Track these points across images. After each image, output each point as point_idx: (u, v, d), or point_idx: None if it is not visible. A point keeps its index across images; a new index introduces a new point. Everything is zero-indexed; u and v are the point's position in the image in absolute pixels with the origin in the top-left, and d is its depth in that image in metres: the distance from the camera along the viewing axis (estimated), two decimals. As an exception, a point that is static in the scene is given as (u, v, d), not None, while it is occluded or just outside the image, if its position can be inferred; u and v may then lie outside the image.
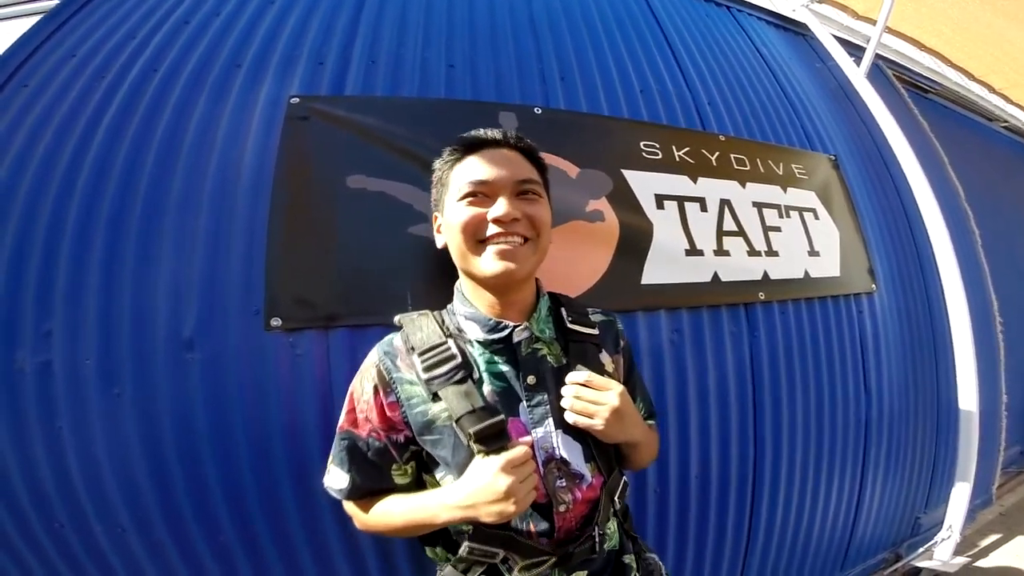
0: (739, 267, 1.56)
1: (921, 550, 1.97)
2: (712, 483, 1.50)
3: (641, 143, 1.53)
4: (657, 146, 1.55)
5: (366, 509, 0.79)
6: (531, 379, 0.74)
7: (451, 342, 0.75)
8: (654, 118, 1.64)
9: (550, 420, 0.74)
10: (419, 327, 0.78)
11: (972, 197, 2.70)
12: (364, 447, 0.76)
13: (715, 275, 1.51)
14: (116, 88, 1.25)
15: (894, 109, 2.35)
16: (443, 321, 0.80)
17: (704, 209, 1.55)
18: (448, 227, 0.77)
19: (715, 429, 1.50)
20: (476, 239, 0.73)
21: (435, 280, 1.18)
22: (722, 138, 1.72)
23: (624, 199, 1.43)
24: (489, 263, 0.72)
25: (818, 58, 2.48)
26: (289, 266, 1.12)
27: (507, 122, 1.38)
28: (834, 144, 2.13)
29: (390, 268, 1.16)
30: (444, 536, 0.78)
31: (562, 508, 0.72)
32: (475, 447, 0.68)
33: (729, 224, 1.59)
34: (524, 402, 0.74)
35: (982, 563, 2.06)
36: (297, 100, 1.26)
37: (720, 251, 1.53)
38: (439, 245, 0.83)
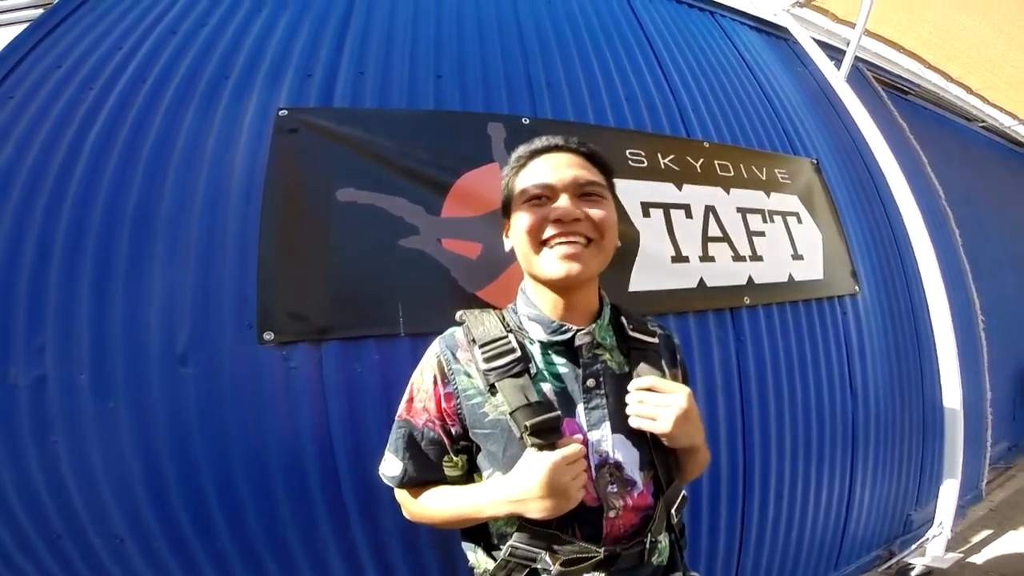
0: (724, 272, 1.59)
1: (914, 547, 2.01)
2: (703, 486, 1.52)
3: (627, 151, 1.56)
4: (643, 154, 1.58)
5: (416, 498, 0.81)
6: (591, 382, 0.75)
7: (511, 337, 0.76)
8: (639, 126, 1.67)
9: (607, 424, 0.75)
10: (481, 321, 0.80)
11: (952, 197, 2.76)
12: (419, 436, 0.78)
13: (701, 281, 1.53)
14: (103, 99, 1.24)
15: (874, 111, 2.40)
16: (504, 318, 0.81)
17: (689, 216, 1.58)
18: (513, 231, 0.80)
19: (705, 433, 1.51)
20: (539, 240, 0.74)
21: (427, 293, 1.20)
22: (706, 145, 1.75)
23: (611, 207, 1.45)
24: (551, 264, 0.73)
25: (799, 62, 2.52)
26: (281, 280, 1.13)
27: (496, 132, 1.40)
28: (815, 148, 2.17)
29: (382, 281, 1.17)
30: (486, 539, 0.79)
31: (612, 514, 0.72)
32: (529, 440, 0.69)
33: (714, 230, 1.62)
34: (582, 404, 0.75)
35: (974, 559, 2.10)
36: (285, 112, 1.27)
37: (705, 257, 1.56)
38: (507, 249, 0.86)
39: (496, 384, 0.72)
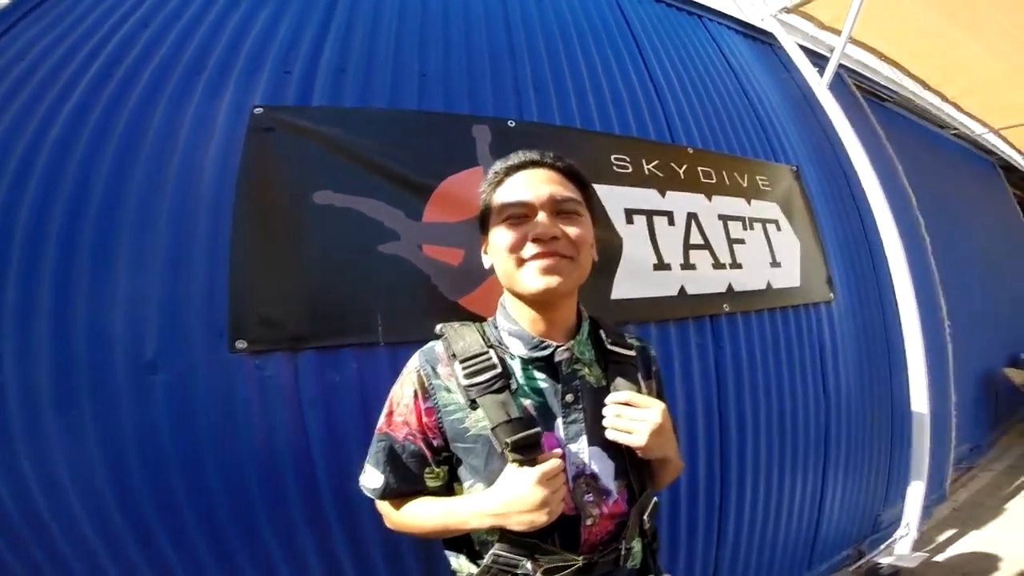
0: (705, 280, 1.60)
1: (883, 547, 2.08)
2: (682, 490, 1.55)
3: (612, 156, 1.55)
4: (627, 159, 1.57)
5: (397, 508, 0.83)
6: (569, 397, 0.77)
7: (492, 352, 0.77)
8: (625, 130, 1.66)
9: (584, 437, 0.77)
10: (461, 336, 0.81)
11: (922, 203, 2.83)
12: (400, 450, 0.79)
13: (682, 289, 1.55)
14: (68, 93, 1.17)
15: (853, 118, 2.44)
16: (484, 332, 0.82)
17: (672, 223, 1.59)
18: (493, 248, 0.81)
19: (683, 438, 1.54)
20: (519, 258, 0.75)
21: (407, 301, 1.18)
22: (690, 151, 1.76)
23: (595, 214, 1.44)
24: (531, 279, 0.74)
25: (783, 67, 2.54)
26: (253, 286, 1.09)
27: (480, 135, 1.37)
28: (796, 154, 2.20)
29: (360, 288, 1.15)
30: (468, 546, 0.81)
31: (589, 522, 0.75)
32: (510, 456, 0.71)
33: (696, 238, 1.63)
34: (560, 418, 0.77)
35: (939, 558, 2.18)
36: (261, 110, 1.22)
37: (687, 265, 1.57)
38: (486, 266, 0.87)
39: (477, 400, 0.74)
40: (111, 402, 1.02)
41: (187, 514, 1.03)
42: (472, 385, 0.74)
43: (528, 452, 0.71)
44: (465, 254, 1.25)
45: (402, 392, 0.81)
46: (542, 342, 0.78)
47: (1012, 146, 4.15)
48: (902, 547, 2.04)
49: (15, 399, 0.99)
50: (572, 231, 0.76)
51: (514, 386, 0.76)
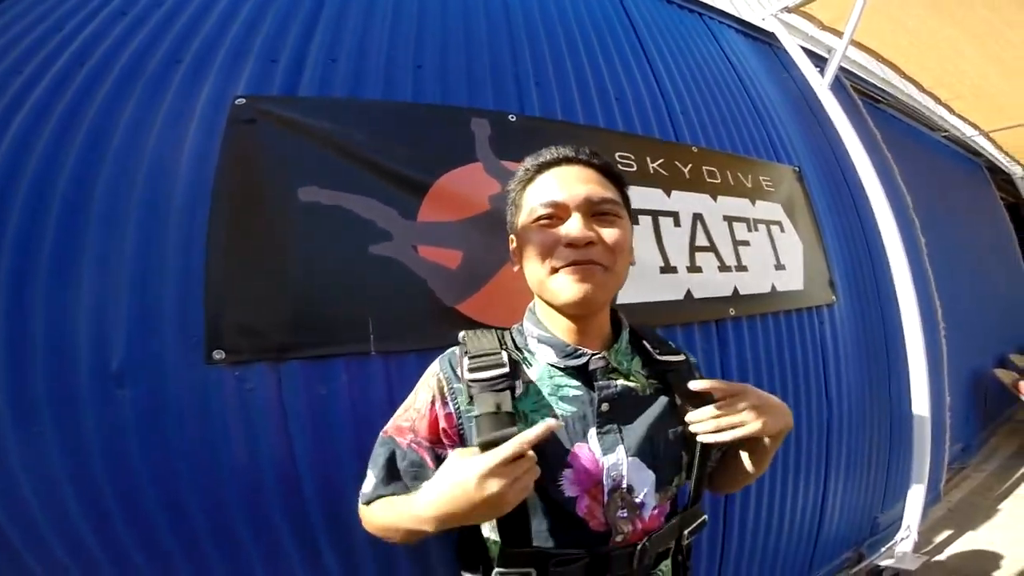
0: (711, 283, 1.55)
1: (883, 549, 2.06)
2: (687, 496, 1.49)
3: (616, 154, 1.49)
4: (632, 157, 1.51)
5: (372, 508, 0.77)
6: (604, 406, 0.71)
7: (504, 354, 0.73)
8: (629, 127, 1.60)
9: (621, 447, 0.71)
10: (479, 337, 0.77)
11: (915, 205, 2.83)
12: (401, 457, 0.75)
13: (688, 292, 1.49)
14: (33, 84, 1.08)
15: (852, 119, 2.41)
16: (503, 337, 0.78)
17: (677, 224, 1.53)
18: (523, 252, 0.76)
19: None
20: (550, 266, 0.70)
21: (401, 307, 1.09)
22: (695, 149, 1.70)
23: (599, 214, 1.37)
24: (564, 290, 0.69)
25: (783, 68, 2.51)
26: (232, 290, 1.00)
27: (480, 129, 1.30)
28: (797, 155, 2.16)
29: (349, 293, 1.06)
30: (484, 560, 0.74)
31: (619, 538, 0.70)
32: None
33: (701, 239, 1.57)
34: (594, 428, 0.71)
35: (938, 559, 2.17)
36: (243, 101, 1.13)
37: (693, 268, 1.52)
38: (515, 269, 0.81)
39: (475, 396, 0.68)
40: (76, 416, 0.93)
41: (166, 540, 0.95)
42: (474, 380, 0.69)
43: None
44: (464, 256, 1.17)
45: (416, 397, 0.77)
46: (576, 350, 0.73)
47: (1000, 148, 4.19)
48: (902, 549, 2.03)
49: None
50: (609, 235, 0.70)
51: (519, 390, 0.70)
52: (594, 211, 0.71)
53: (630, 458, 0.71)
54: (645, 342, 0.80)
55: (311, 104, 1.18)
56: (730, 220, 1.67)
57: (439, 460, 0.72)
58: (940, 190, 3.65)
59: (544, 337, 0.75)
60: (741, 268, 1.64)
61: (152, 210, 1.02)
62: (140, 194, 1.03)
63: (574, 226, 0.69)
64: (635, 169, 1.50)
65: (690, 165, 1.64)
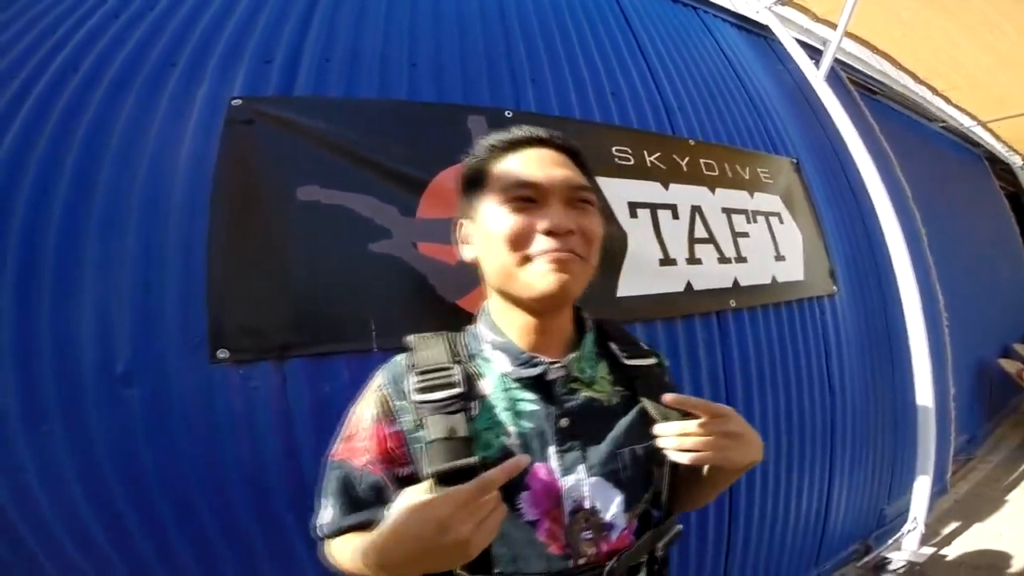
0: (711, 275, 1.55)
1: (890, 541, 2.06)
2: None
3: (613, 148, 1.49)
4: (629, 151, 1.51)
5: (335, 544, 0.66)
6: (564, 421, 0.64)
7: (458, 369, 0.64)
8: (625, 122, 1.61)
9: (582, 467, 0.64)
10: (427, 346, 0.68)
11: (914, 196, 2.83)
12: (357, 480, 0.65)
13: (688, 284, 1.49)
14: (27, 91, 1.08)
15: (848, 111, 2.42)
16: (455, 343, 0.69)
17: (676, 216, 1.53)
18: (485, 236, 0.64)
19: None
20: (522, 254, 0.61)
21: (402, 303, 1.10)
22: (691, 142, 1.70)
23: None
24: (540, 279, 0.60)
25: (778, 60, 2.51)
26: (234, 290, 1.01)
27: (477, 126, 1.30)
28: (795, 146, 2.16)
29: (350, 291, 1.06)
30: None
31: (582, 561, 0.63)
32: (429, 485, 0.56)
33: (700, 231, 1.57)
34: (554, 446, 0.64)
35: (945, 551, 2.15)
36: (239, 102, 1.14)
37: (692, 259, 1.52)
38: (466, 258, 0.70)
39: (425, 420, 0.61)
40: (84, 417, 0.94)
41: (174, 538, 0.96)
42: (423, 402, 0.61)
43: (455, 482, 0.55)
44: (463, 252, 1.18)
45: (361, 415, 0.67)
46: (532, 358, 0.65)
47: (999, 138, 4.18)
48: (910, 541, 2.02)
49: None
50: (587, 224, 0.64)
51: (474, 412, 0.63)
52: (572, 197, 0.64)
53: (593, 478, 0.64)
54: (612, 343, 0.73)
55: (307, 104, 1.19)
56: (729, 212, 1.67)
57: (397, 481, 0.64)
58: (939, 180, 3.64)
59: (499, 343, 0.67)
60: (741, 259, 1.64)
61: (152, 213, 1.03)
62: (140, 197, 1.04)
63: (555, 213, 0.61)
64: (632, 163, 1.50)
65: (687, 158, 1.64)
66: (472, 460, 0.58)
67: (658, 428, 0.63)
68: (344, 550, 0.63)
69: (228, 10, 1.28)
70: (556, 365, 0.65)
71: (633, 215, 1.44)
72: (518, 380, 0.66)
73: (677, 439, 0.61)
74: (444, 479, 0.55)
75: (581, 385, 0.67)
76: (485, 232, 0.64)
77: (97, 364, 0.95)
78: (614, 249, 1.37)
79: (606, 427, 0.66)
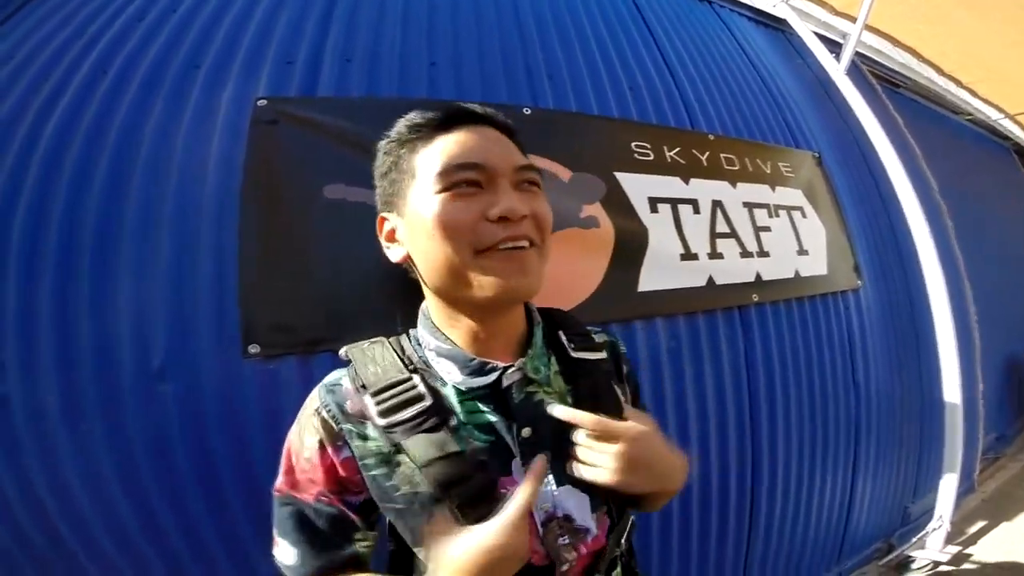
0: (733, 270, 1.53)
1: (914, 540, 2.01)
2: (713, 487, 1.48)
3: (633, 144, 1.48)
4: (648, 147, 1.50)
5: None
6: (526, 431, 0.58)
7: (417, 379, 0.58)
8: (643, 117, 1.60)
9: (550, 476, 0.59)
10: (371, 358, 0.60)
11: (941, 189, 2.77)
12: (313, 515, 0.58)
13: (710, 279, 1.47)
14: (60, 93, 1.12)
15: (871, 104, 2.37)
16: (403, 350, 0.62)
17: (697, 211, 1.52)
18: (420, 231, 0.55)
19: (714, 434, 1.48)
20: (473, 246, 0.53)
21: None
22: (711, 137, 1.69)
23: (618, 203, 1.37)
24: (495, 278, 0.53)
25: (797, 54, 2.48)
26: (264, 288, 1.03)
27: (494, 124, 1.30)
28: (816, 141, 2.13)
29: (376, 286, 1.07)
30: None
31: (565, 567, 0.59)
32: (443, 510, 0.53)
33: (721, 226, 1.56)
34: (518, 459, 0.58)
35: (971, 550, 2.10)
36: (264, 102, 1.16)
37: (714, 254, 1.50)
38: (394, 259, 0.63)
39: (402, 443, 0.55)
40: (121, 412, 0.97)
41: (205, 529, 0.99)
42: (392, 425, 0.55)
43: (478, 505, 0.52)
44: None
45: (301, 443, 0.59)
46: (484, 364, 0.58)
47: (1028, 131, 4.07)
48: (934, 540, 1.98)
49: (21, 411, 0.94)
50: (538, 208, 0.57)
51: (454, 422, 0.57)
52: (520, 180, 0.57)
53: (560, 488, 0.60)
54: (561, 333, 0.67)
55: (330, 104, 1.21)
56: (750, 206, 1.65)
57: (355, 509, 0.59)
58: (966, 173, 3.55)
59: (444, 350, 0.60)
60: (763, 254, 1.62)
61: (184, 213, 1.06)
62: (172, 198, 1.06)
63: (507, 197, 0.54)
64: (652, 158, 1.49)
65: (707, 153, 1.62)
66: (491, 476, 0.55)
67: (575, 435, 0.57)
68: None
69: (248, 12, 1.30)
70: (511, 370, 0.59)
71: (654, 210, 1.43)
72: (469, 392, 0.59)
73: (577, 450, 0.57)
74: (467, 500, 0.52)
75: (537, 387, 0.61)
76: (419, 226, 0.55)
77: (134, 361, 0.98)
78: (634, 244, 1.37)
79: (566, 428, 0.58)
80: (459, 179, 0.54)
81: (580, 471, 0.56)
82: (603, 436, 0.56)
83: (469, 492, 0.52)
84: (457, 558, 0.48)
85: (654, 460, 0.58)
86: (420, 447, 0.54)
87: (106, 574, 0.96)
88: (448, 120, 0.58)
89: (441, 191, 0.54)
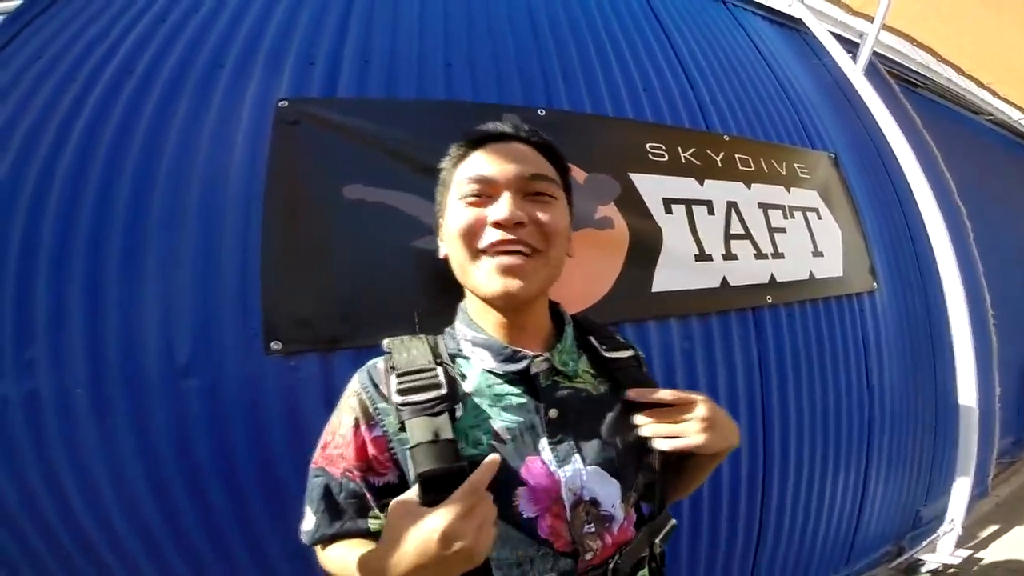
0: (747, 271, 1.53)
1: (925, 543, 1.99)
2: (723, 486, 1.49)
3: (647, 145, 1.49)
4: (663, 148, 1.51)
5: (328, 556, 0.64)
6: (553, 412, 0.64)
7: (440, 370, 0.63)
8: (658, 118, 1.60)
9: (577, 456, 0.63)
10: (407, 348, 0.67)
11: (961, 191, 2.72)
12: (337, 488, 0.63)
13: (724, 280, 1.47)
14: (88, 92, 1.16)
15: (888, 104, 2.35)
16: (436, 345, 0.68)
17: (711, 212, 1.52)
18: (446, 232, 0.67)
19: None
20: (474, 247, 0.62)
21: (444, 297, 1.12)
22: (726, 138, 1.68)
23: (632, 204, 1.38)
24: (487, 279, 0.61)
25: (813, 54, 2.45)
26: (286, 286, 1.05)
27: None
28: (832, 142, 2.11)
29: (394, 285, 1.10)
30: None
31: (588, 556, 0.61)
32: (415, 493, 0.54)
33: (736, 227, 1.56)
34: (545, 438, 0.63)
35: (982, 554, 2.08)
36: (286, 103, 1.19)
37: (728, 255, 1.50)
38: (440, 255, 0.72)
39: (406, 422, 0.58)
40: (147, 407, 1.00)
41: (226, 523, 1.01)
42: (405, 404, 0.59)
43: (439, 494, 0.52)
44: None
45: (339, 421, 0.66)
46: (516, 352, 0.64)
47: (1049, 131, 3.98)
48: (945, 544, 1.96)
49: (50, 405, 0.97)
50: (543, 216, 0.62)
51: (459, 414, 0.61)
52: (528, 190, 0.63)
53: (589, 467, 0.63)
54: (591, 337, 0.73)
55: (350, 105, 1.23)
56: (765, 207, 1.65)
57: (374, 491, 0.63)
58: (987, 175, 3.48)
59: (479, 339, 0.66)
60: (778, 255, 1.62)
61: (209, 211, 1.09)
62: (197, 196, 1.09)
63: (502, 204, 0.61)
64: (667, 159, 1.50)
65: (722, 153, 1.62)
66: (461, 464, 0.56)
67: (638, 418, 0.65)
68: (335, 562, 0.62)
69: (268, 13, 1.33)
70: (539, 358, 0.64)
71: (668, 211, 1.43)
72: (502, 375, 0.65)
73: (651, 427, 0.64)
74: (430, 483, 0.53)
75: (564, 379, 0.67)
76: (446, 228, 0.67)
77: (160, 357, 1.01)
78: (648, 244, 1.37)
79: (595, 416, 0.66)
80: (469, 190, 0.63)
81: (666, 444, 0.63)
82: (679, 406, 0.65)
83: (433, 480, 0.53)
84: (398, 532, 0.50)
85: (721, 419, 0.66)
86: (419, 429, 0.57)
87: (130, 573, 0.99)
88: (481, 140, 0.67)
89: (458, 199, 0.64)
